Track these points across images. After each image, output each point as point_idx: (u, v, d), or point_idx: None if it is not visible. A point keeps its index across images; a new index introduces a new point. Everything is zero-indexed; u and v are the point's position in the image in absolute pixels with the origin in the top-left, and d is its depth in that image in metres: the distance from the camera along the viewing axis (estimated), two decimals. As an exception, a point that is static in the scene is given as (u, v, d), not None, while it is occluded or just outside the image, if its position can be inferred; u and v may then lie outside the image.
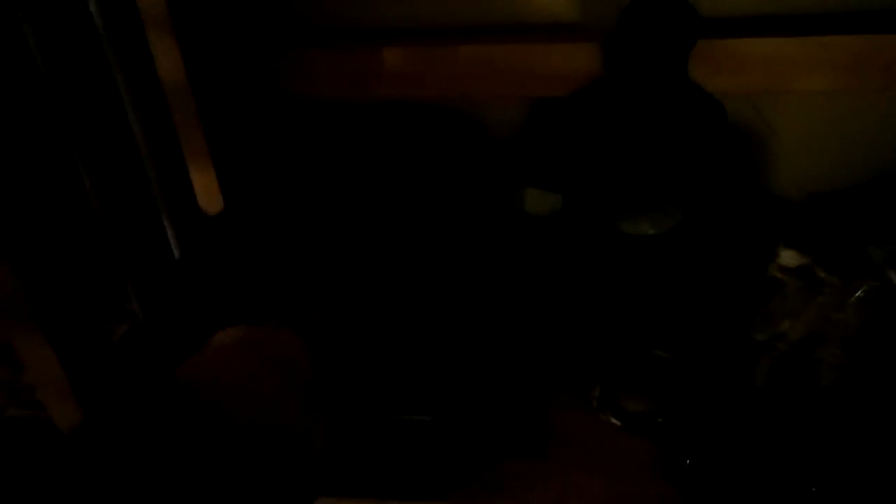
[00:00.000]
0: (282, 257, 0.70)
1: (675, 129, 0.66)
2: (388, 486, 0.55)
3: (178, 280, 0.70)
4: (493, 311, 0.63)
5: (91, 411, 0.54)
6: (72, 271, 0.51)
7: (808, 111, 0.76)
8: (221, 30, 0.77)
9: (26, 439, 0.83)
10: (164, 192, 0.71)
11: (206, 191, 0.79)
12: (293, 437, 0.33)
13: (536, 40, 0.75)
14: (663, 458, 0.54)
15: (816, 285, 0.54)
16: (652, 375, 0.59)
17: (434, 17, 0.77)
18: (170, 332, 0.65)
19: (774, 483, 0.51)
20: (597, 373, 0.60)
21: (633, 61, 0.66)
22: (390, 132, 0.79)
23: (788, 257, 0.54)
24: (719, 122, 0.68)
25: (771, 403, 0.56)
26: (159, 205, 0.71)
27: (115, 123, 0.65)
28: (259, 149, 0.86)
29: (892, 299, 0.54)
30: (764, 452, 0.52)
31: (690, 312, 0.63)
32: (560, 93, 0.75)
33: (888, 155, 0.76)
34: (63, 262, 0.50)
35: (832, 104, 0.75)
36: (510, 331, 0.62)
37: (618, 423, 0.57)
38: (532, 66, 0.75)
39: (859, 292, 0.54)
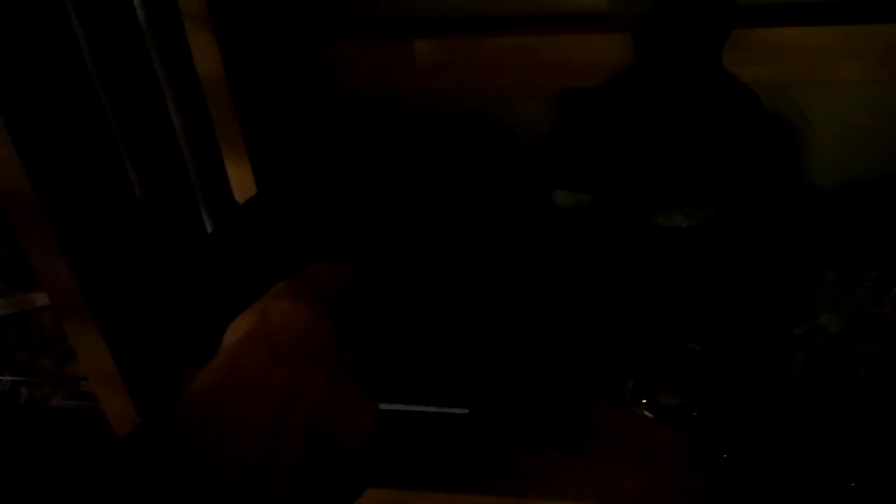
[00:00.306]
0: (312, 249, 0.71)
1: (709, 119, 0.66)
2: (422, 476, 0.56)
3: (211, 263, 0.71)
4: (528, 304, 0.64)
5: (142, 408, 0.55)
6: (121, 264, 0.53)
7: (844, 101, 0.75)
8: (258, 24, 0.78)
9: (71, 428, 0.86)
10: (202, 183, 0.72)
11: (241, 183, 0.80)
12: (317, 432, 0.31)
13: (568, 31, 0.75)
14: (698, 451, 0.54)
15: (855, 279, 0.54)
16: (686, 369, 0.60)
17: (466, 9, 0.77)
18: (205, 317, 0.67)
19: (812, 478, 0.51)
20: (631, 366, 0.60)
21: (667, 51, 0.65)
22: (422, 138, 0.80)
23: (825, 249, 0.54)
24: (754, 112, 0.67)
25: (807, 397, 0.56)
26: (198, 196, 0.72)
27: (156, 116, 0.67)
28: (294, 142, 0.87)
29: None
30: (801, 447, 0.53)
31: (725, 305, 0.63)
32: (591, 83, 0.75)
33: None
34: (114, 254, 0.52)
35: (868, 94, 0.74)
36: (545, 324, 0.63)
37: (651, 416, 0.57)
38: (564, 57, 0.75)
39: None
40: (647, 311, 0.64)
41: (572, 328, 0.64)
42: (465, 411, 0.56)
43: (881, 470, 0.51)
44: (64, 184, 0.48)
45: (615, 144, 0.69)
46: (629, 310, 0.64)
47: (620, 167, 0.69)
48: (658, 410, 0.57)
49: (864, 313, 0.54)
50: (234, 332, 0.33)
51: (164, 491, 0.26)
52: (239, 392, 0.30)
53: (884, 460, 0.52)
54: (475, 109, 0.83)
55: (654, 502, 0.52)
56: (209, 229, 0.74)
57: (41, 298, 0.90)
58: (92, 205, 0.51)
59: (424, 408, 0.56)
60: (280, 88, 0.81)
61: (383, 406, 0.55)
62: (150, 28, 0.61)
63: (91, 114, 0.57)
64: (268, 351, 0.31)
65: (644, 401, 0.58)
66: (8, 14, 0.42)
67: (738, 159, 0.67)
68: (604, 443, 0.56)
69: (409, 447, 0.57)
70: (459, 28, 0.78)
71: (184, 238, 0.70)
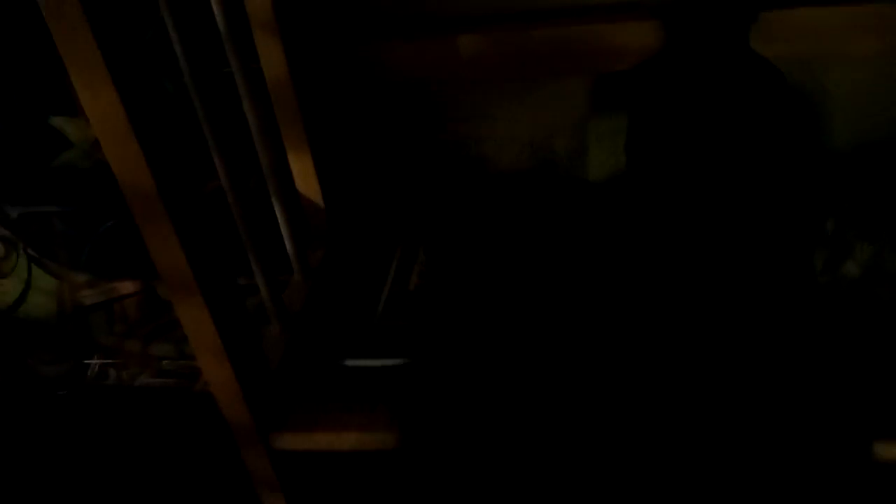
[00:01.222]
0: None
1: (738, 95, 0.72)
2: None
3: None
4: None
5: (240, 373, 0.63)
6: (216, 245, 0.61)
7: (860, 73, 0.80)
8: (319, 28, 0.85)
9: (156, 404, 0.95)
10: (274, 176, 0.79)
11: (303, 176, 0.88)
12: None
13: (602, 20, 0.81)
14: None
15: (875, 231, 0.60)
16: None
17: (507, 3, 0.83)
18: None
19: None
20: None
21: (698, 34, 0.71)
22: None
23: (850, 207, 0.60)
24: (779, 87, 0.73)
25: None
26: (270, 187, 0.79)
27: (234, 115, 0.73)
28: (353, 135, 0.93)
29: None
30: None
31: (758, 259, 0.69)
32: (626, 67, 0.81)
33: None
34: (211, 236, 0.59)
35: (882, 66, 0.80)
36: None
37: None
38: (600, 43, 0.81)
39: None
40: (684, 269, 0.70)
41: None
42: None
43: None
44: (174, 176, 0.55)
45: (651, 122, 0.75)
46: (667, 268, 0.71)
47: (656, 143, 0.75)
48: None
49: (882, 260, 0.60)
50: None
51: None
52: None
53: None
54: (520, 95, 0.89)
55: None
56: (280, 220, 0.81)
57: (125, 287, 0.99)
58: (193, 193, 0.58)
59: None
60: (339, 86, 0.88)
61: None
62: (230, 35, 0.68)
63: (188, 114, 0.65)
64: None
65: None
66: (129, 39, 0.50)
67: (764, 130, 0.73)
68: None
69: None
70: (503, 21, 0.84)
71: (261, 226, 0.76)
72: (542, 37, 0.82)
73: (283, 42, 0.76)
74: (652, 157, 0.75)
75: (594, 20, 0.81)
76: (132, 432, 0.94)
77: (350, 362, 0.68)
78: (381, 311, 0.74)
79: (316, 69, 0.85)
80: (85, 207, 0.93)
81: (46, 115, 0.92)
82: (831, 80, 0.81)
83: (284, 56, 0.78)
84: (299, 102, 0.81)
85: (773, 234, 0.70)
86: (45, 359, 1.00)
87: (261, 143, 0.76)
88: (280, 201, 0.80)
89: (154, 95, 0.53)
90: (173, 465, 0.88)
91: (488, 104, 0.90)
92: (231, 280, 0.64)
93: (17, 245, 0.95)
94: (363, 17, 0.87)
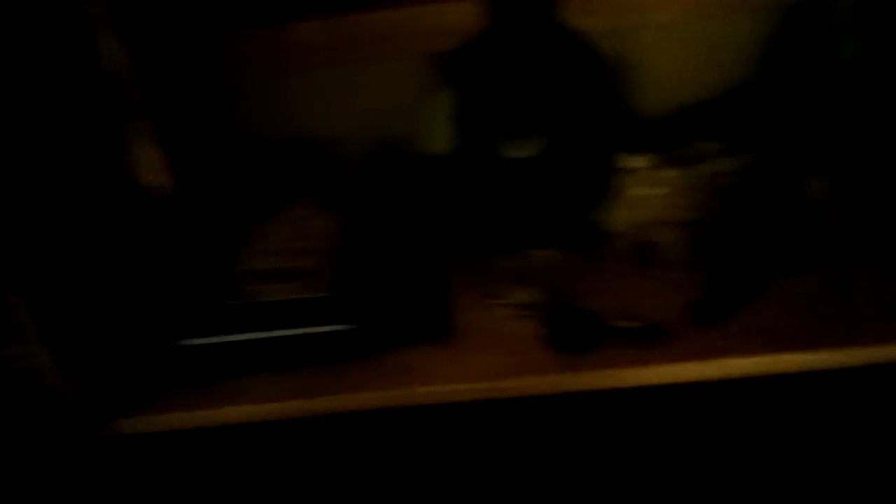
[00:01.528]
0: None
1: (548, 66, 0.77)
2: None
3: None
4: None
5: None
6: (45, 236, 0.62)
7: (665, 42, 0.88)
8: (160, 23, 0.86)
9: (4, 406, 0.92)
10: (116, 168, 0.80)
11: (149, 167, 0.88)
12: None
13: (428, 1, 0.85)
14: (546, 333, 0.66)
15: (659, 178, 0.66)
16: (535, 270, 0.71)
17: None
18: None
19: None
20: (493, 272, 0.71)
21: (510, 12, 0.77)
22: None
23: (630, 161, 0.67)
24: (585, 57, 0.79)
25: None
26: (113, 180, 0.80)
27: (75, 113, 0.74)
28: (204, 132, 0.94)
29: (723, 183, 0.66)
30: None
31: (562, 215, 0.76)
32: (453, 46, 0.85)
33: (737, 70, 0.88)
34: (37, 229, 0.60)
35: (686, 31, 0.88)
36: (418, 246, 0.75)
37: (510, 311, 0.69)
38: (427, 25, 0.86)
39: (696, 179, 0.66)
40: (504, 225, 0.77)
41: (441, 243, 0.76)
42: (354, 327, 0.66)
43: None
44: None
45: (475, 95, 0.80)
46: (490, 225, 0.77)
47: (480, 113, 0.79)
48: (515, 307, 0.69)
49: (671, 206, 0.66)
50: None
51: None
52: None
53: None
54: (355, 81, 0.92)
55: (512, 374, 0.64)
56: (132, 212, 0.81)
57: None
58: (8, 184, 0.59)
59: (315, 328, 0.66)
60: (186, 81, 0.89)
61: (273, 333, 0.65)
62: (66, 34, 0.69)
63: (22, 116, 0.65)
64: None
65: (503, 299, 0.70)
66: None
67: (573, 97, 0.79)
68: (471, 337, 0.68)
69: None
70: (339, 8, 0.87)
71: (104, 219, 0.77)
72: (372, 21, 0.86)
73: (123, 38, 0.77)
74: (476, 130, 0.79)
75: (421, 2, 0.85)
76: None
77: (187, 342, 0.69)
78: (224, 292, 0.75)
79: (160, 64, 0.86)
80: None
81: None
82: (642, 49, 0.88)
83: (125, 52, 0.79)
84: (144, 98, 0.83)
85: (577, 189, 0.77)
86: None
87: (104, 137, 0.77)
88: (123, 191, 0.81)
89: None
90: (25, 462, 0.87)
91: (328, 91, 0.93)
92: (59, 272, 0.65)
93: None
94: (205, 10, 0.88)
